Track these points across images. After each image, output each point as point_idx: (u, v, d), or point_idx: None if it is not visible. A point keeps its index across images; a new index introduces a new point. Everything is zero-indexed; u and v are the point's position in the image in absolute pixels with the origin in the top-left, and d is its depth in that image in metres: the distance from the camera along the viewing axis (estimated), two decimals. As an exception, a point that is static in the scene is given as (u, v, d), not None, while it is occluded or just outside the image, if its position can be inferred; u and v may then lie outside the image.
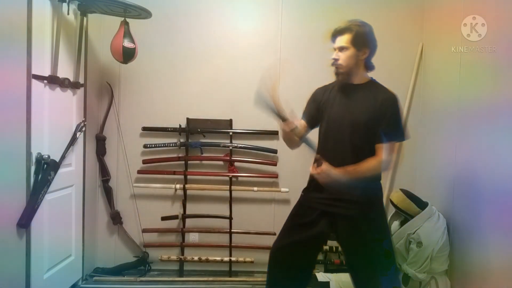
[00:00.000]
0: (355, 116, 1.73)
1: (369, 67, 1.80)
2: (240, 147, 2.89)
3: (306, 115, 1.92)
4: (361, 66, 1.77)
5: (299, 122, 1.85)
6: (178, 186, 2.88)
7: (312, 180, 1.87)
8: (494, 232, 2.00)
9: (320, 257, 2.91)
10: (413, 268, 2.34)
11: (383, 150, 1.69)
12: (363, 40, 1.71)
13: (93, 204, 2.88)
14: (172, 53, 2.92)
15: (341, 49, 1.74)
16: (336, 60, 1.75)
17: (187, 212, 2.93)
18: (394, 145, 1.73)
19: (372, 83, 1.81)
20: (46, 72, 2.15)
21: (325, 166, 1.63)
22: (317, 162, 1.66)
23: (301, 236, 1.80)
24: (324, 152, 1.73)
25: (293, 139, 1.77)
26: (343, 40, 1.72)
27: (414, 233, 2.37)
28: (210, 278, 2.80)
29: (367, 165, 1.68)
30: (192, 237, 2.98)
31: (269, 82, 1.68)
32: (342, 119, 1.76)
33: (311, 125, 1.91)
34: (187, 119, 2.90)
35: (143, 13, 2.43)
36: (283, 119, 1.67)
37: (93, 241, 2.91)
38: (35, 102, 2.02)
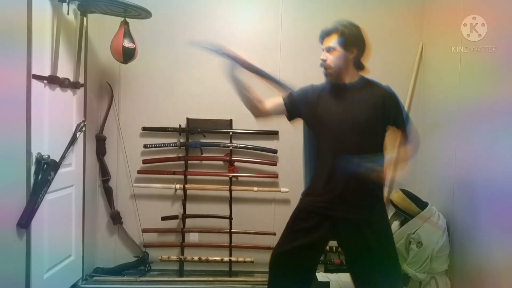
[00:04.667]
0: (356, 116, 1.72)
1: (359, 66, 1.79)
2: (240, 147, 2.89)
3: (291, 100, 1.86)
4: (350, 66, 1.76)
5: (272, 100, 1.88)
6: (178, 186, 2.87)
7: (312, 184, 1.86)
8: (494, 232, 2.00)
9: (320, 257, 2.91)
10: (413, 268, 2.34)
11: (408, 134, 1.79)
12: (350, 40, 1.71)
13: (93, 204, 2.87)
14: (172, 53, 2.92)
15: (328, 49, 1.73)
16: (324, 60, 1.75)
17: (187, 212, 2.93)
18: (412, 127, 1.80)
19: (364, 80, 1.80)
20: (46, 72, 2.15)
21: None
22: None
23: (303, 242, 1.78)
24: (328, 156, 1.73)
25: (253, 103, 1.84)
26: (331, 40, 1.72)
27: (414, 233, 2.37)
28: (210, 278, 2.80)
29: (404, 153, 1.80)
30: (192, 237, 2.98)
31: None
32: (343, 121, 1.74)
33: (290, 114, 1.87)
34: (187, 119, 2.90)
35: (143, 13, 2.43)
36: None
37: (93, 241, 2.91)
38: (35, 102, 2.02)
